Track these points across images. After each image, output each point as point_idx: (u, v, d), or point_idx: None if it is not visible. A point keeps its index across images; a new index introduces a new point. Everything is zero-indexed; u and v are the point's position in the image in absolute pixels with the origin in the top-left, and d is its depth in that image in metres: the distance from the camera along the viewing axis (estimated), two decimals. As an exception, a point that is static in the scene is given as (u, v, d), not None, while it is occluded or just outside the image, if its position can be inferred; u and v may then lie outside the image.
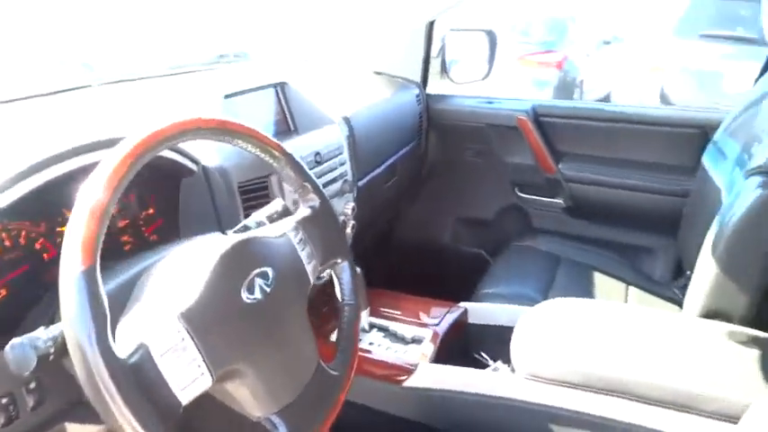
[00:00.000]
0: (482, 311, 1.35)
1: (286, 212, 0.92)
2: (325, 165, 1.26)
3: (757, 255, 1.09)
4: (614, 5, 9.20)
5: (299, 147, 1.18)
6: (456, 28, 2.14)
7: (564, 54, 6.51)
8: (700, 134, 1.75)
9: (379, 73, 1.93)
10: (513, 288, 1.55)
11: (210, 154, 1.02)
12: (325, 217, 0.87)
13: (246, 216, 1.04)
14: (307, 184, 0.85)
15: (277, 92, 1.33)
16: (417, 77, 1.99)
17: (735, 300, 1.13)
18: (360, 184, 1.45)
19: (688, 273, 1.72)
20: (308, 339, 0.79)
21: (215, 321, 0.65)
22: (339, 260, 0.88)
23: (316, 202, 0.86)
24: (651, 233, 1.86)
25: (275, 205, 0.94)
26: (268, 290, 0.72)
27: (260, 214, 0.91)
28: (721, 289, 1.14)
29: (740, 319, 1.14)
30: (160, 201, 1.02)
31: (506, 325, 1.29)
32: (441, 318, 1.31)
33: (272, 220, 0.90)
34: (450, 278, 2.11)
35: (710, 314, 1.17)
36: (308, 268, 0.81)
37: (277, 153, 0.81)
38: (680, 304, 1.59)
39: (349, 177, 1.35)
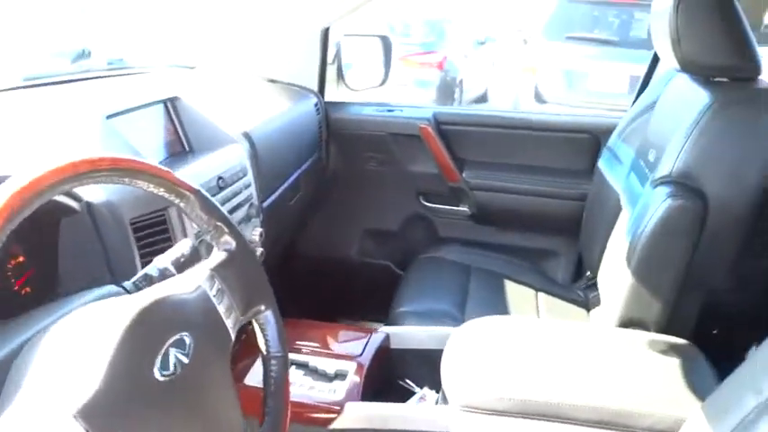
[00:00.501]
0: (404, 336, 1.29)
1: (195, 256, 0.80)
2: (229, 189, 1.13)
3: (671, 263, 1.13)
4: (486, 7, 9.63)
5: (199, 172, 1.05)
6: (350, 33, 2.07)
7: (444, 54, 6.68)
8: (591, 139, 1.82)
9: (273, 81, 1.81)
10: (429, 304, 1.50)
11: (95, 187, 0.87)
12: (244, 260, 0.76)
13: (143, 258, 0.90)
14: (220, 224, 0.74)
15: (167, 108, 1.17)
16: (314, 85, 1.89)
17: (650, 308, 1.16)
18: (265, 205, 1.33)
19: (588, 274, 1.79)
20: (234, 406, 0.68)
21: (124, 413, 0.53)
22: (262, 307, 0.77)
23: (231, 244, 0.74)
24: (553, 236, 1.90)
25: (181, 247, 0.81)
26: (186, 360, 0.60)
27: (164, 260, 0.78)
28: (637, 298, 1.16)
29: (655, 326, 1.17)
30: (32, 246, 0.85)
31: (430, 348, 1.24)
32: (363, 347, 1.23)
33: (179, 266, 0.77)
34: (359, 294, 2.04)
35: (627, 323, 1.19)
36: (229, 323, 0.70)
37: (185, 192, 0.69)
38: (585, 306, 1.65)
39: (255, 201, 1.23)
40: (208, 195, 0.72)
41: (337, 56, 2.08)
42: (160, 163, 0.90)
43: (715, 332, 1.52)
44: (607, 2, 6.00)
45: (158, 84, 1.31)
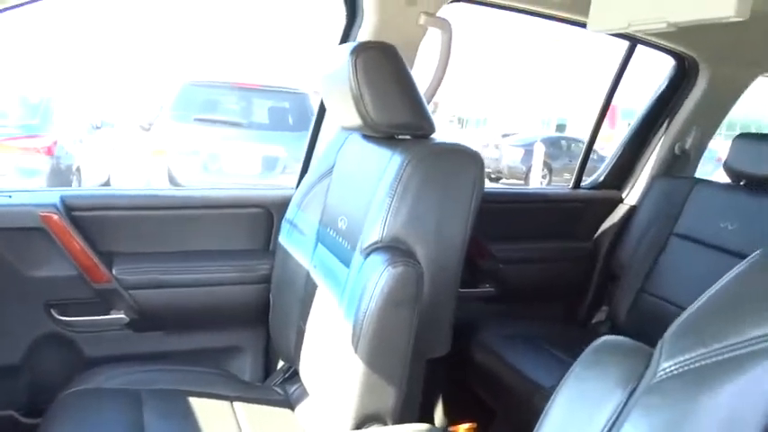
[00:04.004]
0: None
1: None
2: None
3: (400, 340, 0.98)
4: (96, 91, 8.95)
5: None
6: None
7: (54, 139, 5.79)
8: (265, 213, 1.63)
9: None
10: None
11: None
12: None
13: None
14: None
15: None
16: None
17: (385, 397, 0.99)
18: None
19: (284, 364, 1.56)
20: None
21: None
22: None
23: None
24: (236, 330, 1.62)
25: None
26: None
27: None
28: (370, 388, 0.98)
29: (392, 416, 1.00)
30: None
31: None
32: None
33: None
34: None
35: (363, 421, 1.00)
36: None
37: None
38: (288, 404, 1.41)
39: None
40: None
41: None
42: None
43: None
44: (227, 86, 6.17)
45: None
